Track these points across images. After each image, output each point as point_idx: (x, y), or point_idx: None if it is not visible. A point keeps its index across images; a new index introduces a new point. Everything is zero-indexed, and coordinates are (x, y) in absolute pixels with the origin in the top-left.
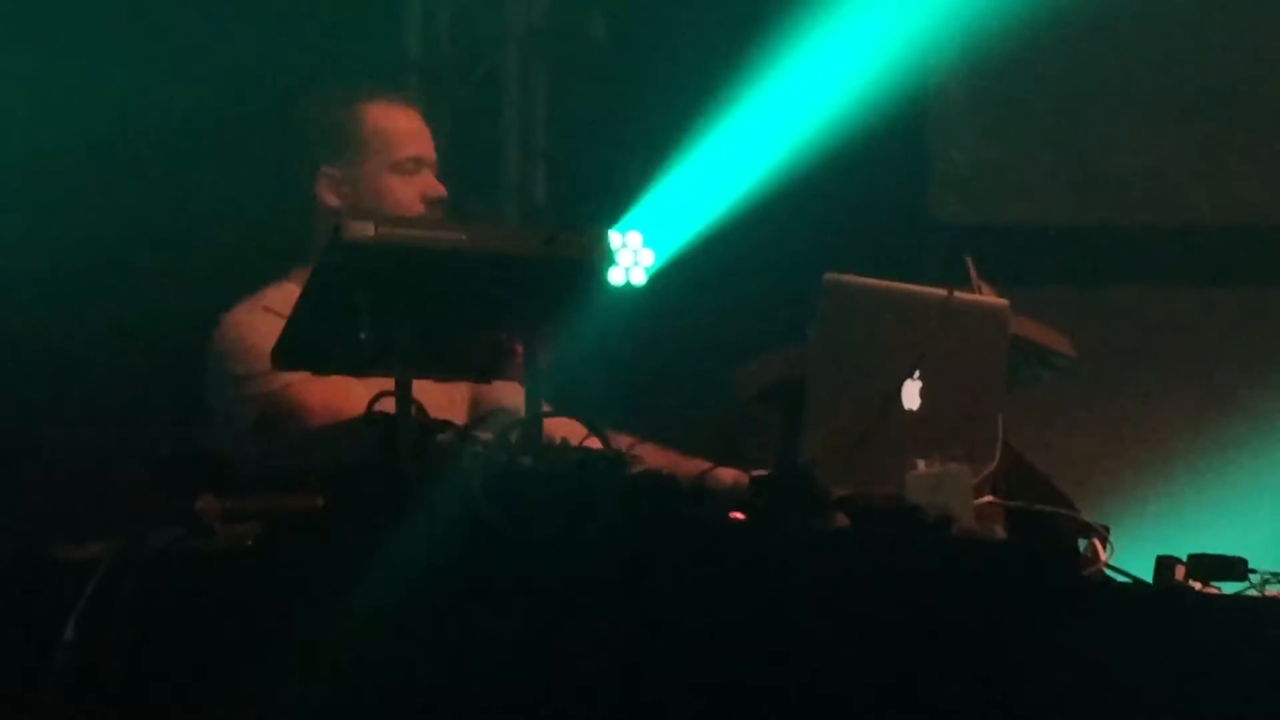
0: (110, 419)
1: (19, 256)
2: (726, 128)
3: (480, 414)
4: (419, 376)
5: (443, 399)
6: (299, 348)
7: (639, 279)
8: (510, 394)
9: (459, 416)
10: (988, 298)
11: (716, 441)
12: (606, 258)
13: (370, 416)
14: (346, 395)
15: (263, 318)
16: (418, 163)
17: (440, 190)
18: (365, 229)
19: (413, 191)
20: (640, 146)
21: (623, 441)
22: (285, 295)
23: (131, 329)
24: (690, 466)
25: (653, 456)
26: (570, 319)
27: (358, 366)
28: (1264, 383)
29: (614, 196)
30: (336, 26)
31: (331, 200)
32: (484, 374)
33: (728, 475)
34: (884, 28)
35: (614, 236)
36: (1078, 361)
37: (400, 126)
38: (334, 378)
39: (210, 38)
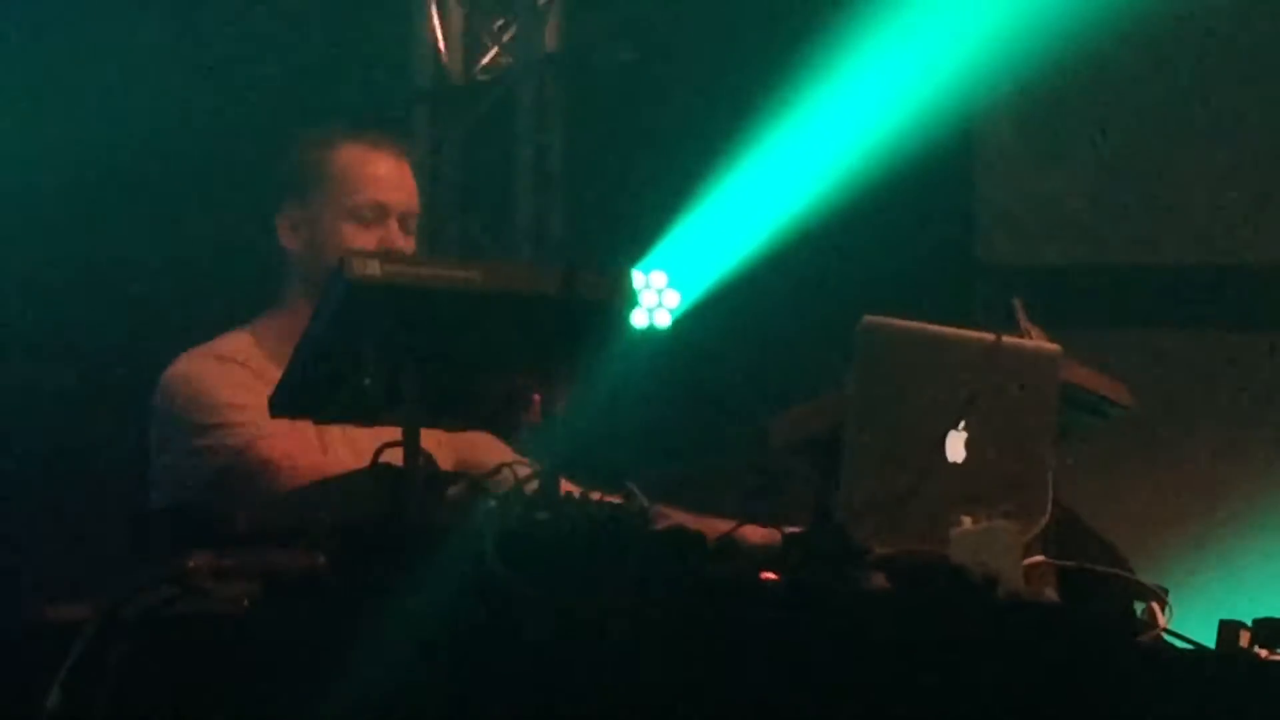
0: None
1: None
2: (760, 162)
3: (494, 466)
4: (428, 425)
5: (452, 451)
6: (298, 394)
7: (663, 322)
8: (494, 450)
9: (469, 469)
10: (1038, 342)
11: (741, 498)
12: (629, 299)
13: (376, 467)
14: (309, 449)
15: (217, 366)
16: (380, 210)
17: (403, 245)
18: (371, 266)
19: (367, 241)
20: (665, 180)
21: (646, 497)
22: (239, 345)
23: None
24: (711, 527)
25: (679, 514)
26: (589, 364)
27: (362, 414)
28: None
29: (636, 233)
30: (343, 56)
31: (289, 243)
32: (497, 422)
33: (755, 534)
34: (929, 58)
35: (636, 276)
36: (1134, 410)
37: (367, 171)
38: (298, 432)
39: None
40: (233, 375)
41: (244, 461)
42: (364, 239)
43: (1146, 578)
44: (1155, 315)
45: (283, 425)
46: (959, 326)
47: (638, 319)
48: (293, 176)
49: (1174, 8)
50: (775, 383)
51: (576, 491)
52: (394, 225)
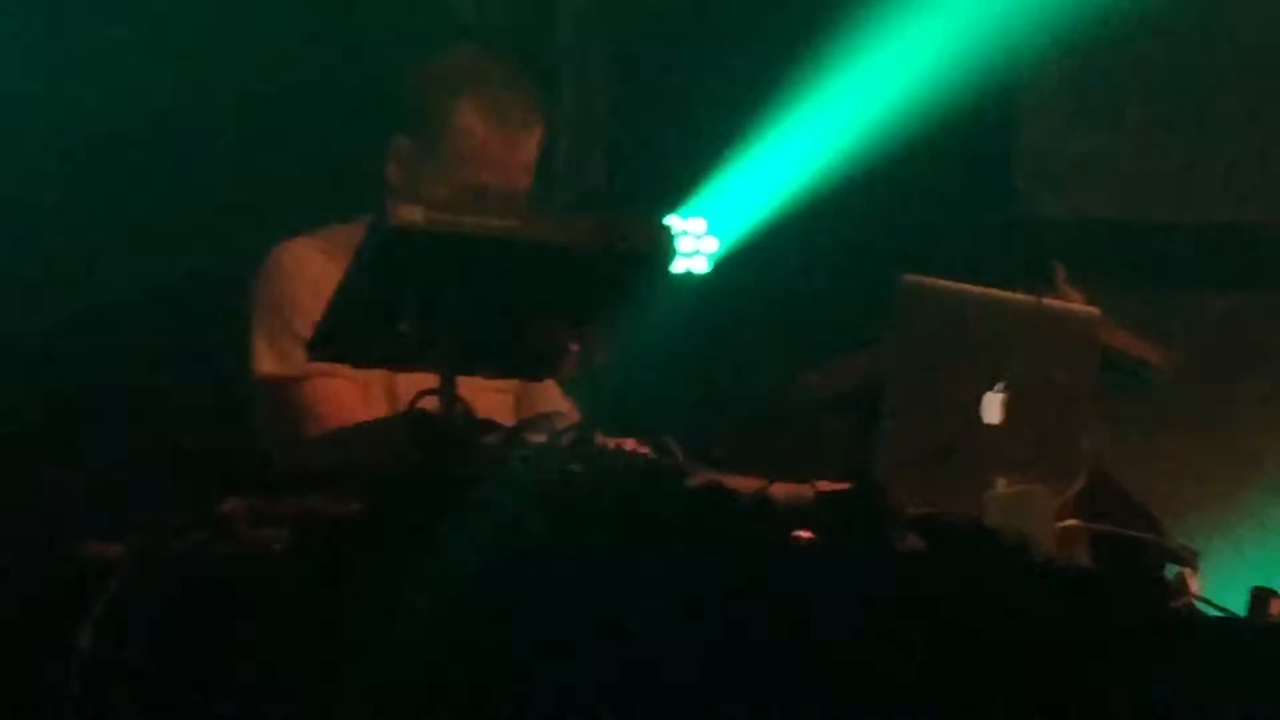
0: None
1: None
2: (800, 109)
3: (531, 416)
4: (465, 373)
5: (487, 403)
6: (337, 336)
7: (701, 268)
8: (556, 399)
9: (505, 419)
10: (1078, 305)
11: (778, 452)
12: (670, 252)
13: (411, 414)
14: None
15: (316, 257)
16: (479, 190)
17: None
18: (414, 213)
19: None
20: (705, 126)
21: (681, 451)
22: (349, 238)
23: (153, 320)
24: (745, 484)
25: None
26: (629, 315)
27: (399, 359)
28: None
29: (676, 179)
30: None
31: (393, 176)
32: (535, 372)
33: (785, 490)
34: (974, 10)
35: (675, 222)
36: (1172, 372)
37: (478, 146)
38: (339, 383)
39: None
40: (326, 272)
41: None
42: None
43: (1181, 541)
44: (1199, 275)
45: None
46: (999, 286)
47: (676, 266)
48: (412, 114)
49: None
50: (812, 333)
51: (613, 444)
52: (490, 204)
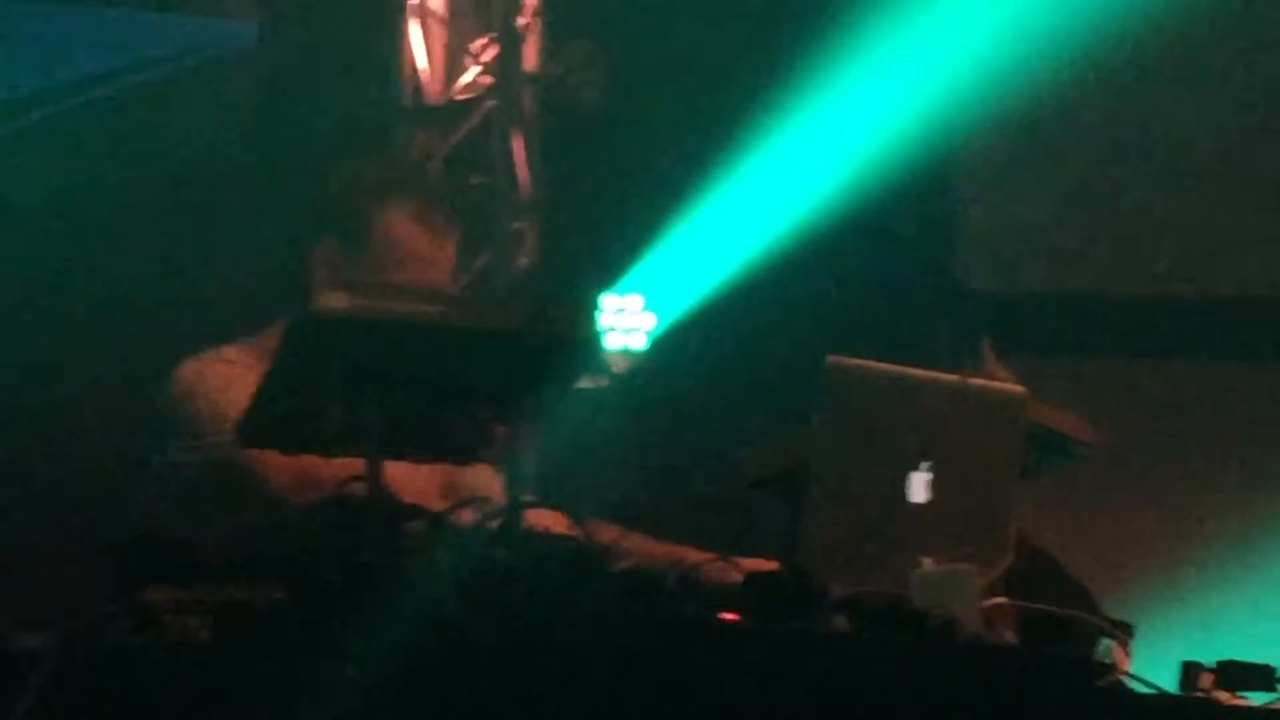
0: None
1: None
2: (739, 184)
3: (456, 502)
4: (391, 458)
5: (417, 484)
6: (264, 424)
7: (639, 344)
8: (487, 479)
9: (432, 504)
10: (1004, 384)
11: (720, 524)
12: (597, 331)
13: (336, 500)
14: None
15: (222, 368)
16: (404, 290)
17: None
18: (338, 299)
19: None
20: (643, 201)
21: (609, 533)
22: (245, 352)
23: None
24: (686, 555)
25: (643, 547)
26: (556, 397)
27: (326, 446)
28: None
29: (613, 256)
30: (324, 71)
31: (323, 275)
32: (461, 456)
33: (714, 567)
34: (909, 83)
35: (612, 299)
36: (1102, 444)
37: (406, 250)
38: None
39: (199, 85)
40: (230, 378)
41: (234, 466)
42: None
43: (1113, 614)
44: (1130, 345)
45: None
46: (926, 365)
47: (614, 341)
48: (339, 218)
49: (1154, 40)
50: (751, 407)
51: (541, 527)
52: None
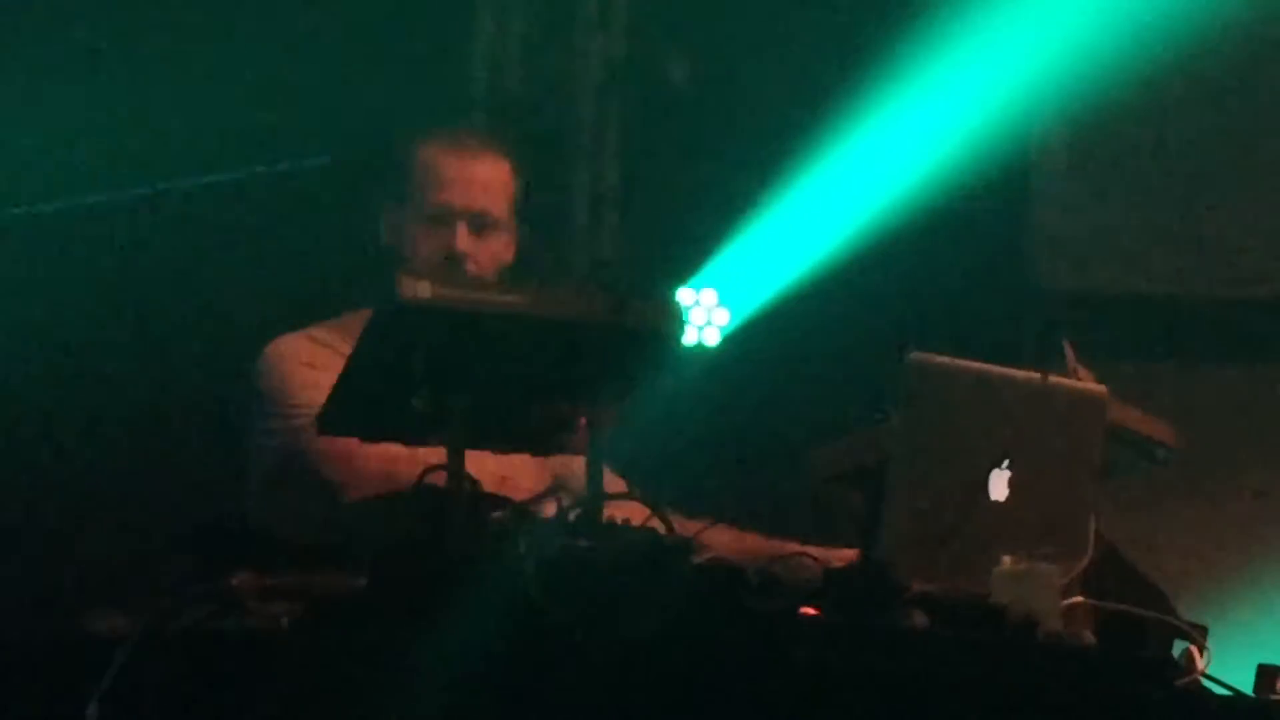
0: (148, 477)
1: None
2: (813, 182)
3: (538, 492)
4: (473, 447)
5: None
6: (346, 412)
7: (712, 340)
8: (569, 469)
9: (515, 494)
10: (1085, 383)
11: (800, 518)
12: (679, 326)
13: (420, 490)
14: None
15: (306, 345)
16: (445, 212)
17: (470, 248)
18: (421, 288)
19: (434, 244)
20: (719, 198)
21: (691, 526)
22: (332, 333)
23: (173, 383)
24: (769, 548)
25: (725, 539)
26: (638, 390)
27: (409, 435)
28: None
29: (688, 250)
30: (400, 66)
31: (390, 240)
32: (543, 447)
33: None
34: (985, 82)
35: (687, 294)
36: (1181, 449)
37: (435, 173)
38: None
39: (274, 78)
40: (316, 354)
41: (298, 442)
42: (431, 242)
43: (1187, 617)
44: (1204, 349)
45: None
46: (1007, 363)
47: (687, 337)
48: (389, 174)
49: (1230, 40)
50: (824, 404)
51: (635, 514)
52: (461, 228)
